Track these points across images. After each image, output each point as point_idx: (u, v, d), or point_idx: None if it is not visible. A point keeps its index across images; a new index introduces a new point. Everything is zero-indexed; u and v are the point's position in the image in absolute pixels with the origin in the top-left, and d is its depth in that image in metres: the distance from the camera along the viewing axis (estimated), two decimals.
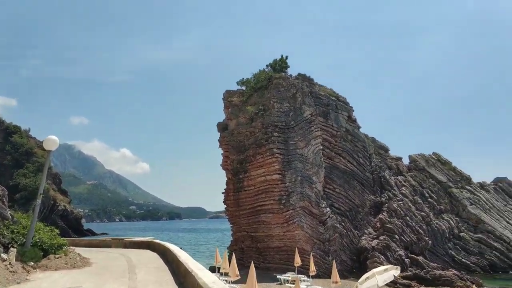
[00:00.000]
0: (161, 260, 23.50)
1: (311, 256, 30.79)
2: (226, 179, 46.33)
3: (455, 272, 34.76)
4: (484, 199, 47.09)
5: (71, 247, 30.72)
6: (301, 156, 41.13)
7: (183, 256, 16.64)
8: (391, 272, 18.92)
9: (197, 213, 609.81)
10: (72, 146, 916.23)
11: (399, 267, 19.63)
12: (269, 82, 45.26)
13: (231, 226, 47.63)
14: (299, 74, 47.77)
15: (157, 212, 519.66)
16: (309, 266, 37.26)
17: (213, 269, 42.23)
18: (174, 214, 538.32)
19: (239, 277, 24.47)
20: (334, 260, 25.84)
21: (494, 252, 42.37)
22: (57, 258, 20.72)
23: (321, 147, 43.68)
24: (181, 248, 22.42)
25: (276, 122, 41.34)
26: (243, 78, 48.44)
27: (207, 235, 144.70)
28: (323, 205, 40.49)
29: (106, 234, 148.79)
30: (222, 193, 47.18)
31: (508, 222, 45.60)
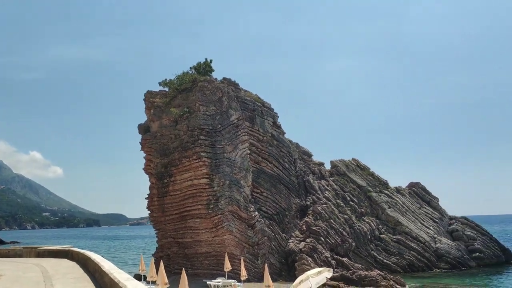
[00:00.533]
0: (81, 270, 21.59)
1: (242, 260, 30.34)
2: (150, 183, 44.47)
3: (379, 272, 36.34)
4: (401, 203, 50.16)
5: None
6: (228, 160, 40.72)
7: (107, 266, 15.29)
8: (324, 274, 19.06)
9: (117, 220, 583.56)
10: None
11: (331, 269, 19.87)
12: (194, 84, 44.20)
13: (156, 233, 45.78)
14: (224, 78, 47.32)
15: (73, 219, 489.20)
16: (239, 270, 36.84)
17: (138, 277, 40.17)
18: (92, 221, 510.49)
19: (168, 285, 23.26)
20: (265, 264, 25.59)
21: (411, 252, 45.19)
22: None
23: (248, 151, 43.64)
24: (102, 257, 20.77)
25: (203, 125, 40.53)
26: (165, 79, 46.84)
27: (129, 242, 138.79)
28: (252, 209, 40.38)
29: (17, 242, 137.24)
30: (146, 198, 45.21)
31: (422, 224, 48.99)
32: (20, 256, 33.24)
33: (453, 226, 50.54)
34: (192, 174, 39.97)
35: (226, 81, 46.38)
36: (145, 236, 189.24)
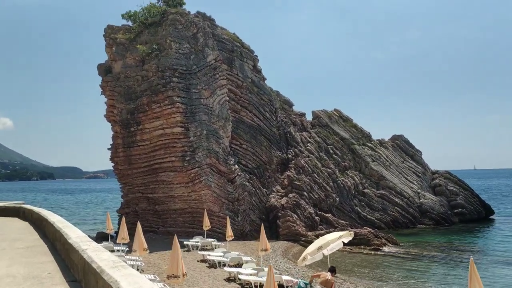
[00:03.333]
0: (36, 234, 17.07)
1: (227, 219, 26.62)
2: (113, 132, 39.26)
3: (370, 229, 33.97)
4: (384, 156, 47.82)
5: None
6: (206, 107, 36.08)
7: (73, 234, 10.89)
8: (344, 239, 15.64)
9: (72, 173, 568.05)
10: None
11: (352, 233, 16.43)
12: (163, 17, 38.53)
13: (121, 187, 41.16)
14: (198, 12, 41.73)
15: (26, 172, 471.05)
16: (218, 229, 33.41)
17: (104, 236, 36.21)
18: (45, 174, 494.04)
19: (148, 251, 19.25)
20: (262, 224, 22.00)
21: (396, 207, 43.27)
22: None
23: (227, 98, 39.10)
24: (62, 217, 16.32)
25: (175, 65, 35.31)
26: (129, 11, 40.58)
27: (85, 197, 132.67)
28: (231, 162, 36.43)
29: None
30: (108, 149, 40.21)
31: (406, 178, 47.09)
32: None
33: (436, 180, 49.03)
34: (164, 122, 35.13)
35: (201, 15, 40.74)
36: (101, 189, 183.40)
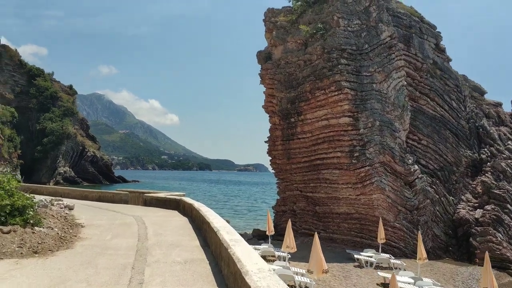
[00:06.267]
0: (195, 239, 13.88)
1: (419, 236, 20.49)
2: (271, 124, 36.11)
3: None
4: None
5: (62, 203, 21.74)
6: (379, 93, 30.09)
7: (250, 263, 6.70)
8: None
9: (225, 165, 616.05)
10: (102, 95, 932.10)
11: None
12: None
13: (277, 182, 38.00)
14: None
15: (187, 163, 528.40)
16: (394, 242, 27.50)
17: (259, 234, 33.70)
18: (203, 165, 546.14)
19: (326, 273, 14.59)
20: (486, 253, 15.54)
21: None
22: (7, 232, 11.68)
23: (405, 82, 32.49)
24: (226, 221, 12.75)
25: (344, 44, 30.01)
26: None
27: (235, 188, 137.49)
28: (410, 161, 29.81)
29: (137, 181, 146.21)
30: (265, 142, 37.28)
31: None
32: (126, 202, 27.79)
33: None
34: (329, 111, 30.29)
35: None
36: (250, 183, 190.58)
